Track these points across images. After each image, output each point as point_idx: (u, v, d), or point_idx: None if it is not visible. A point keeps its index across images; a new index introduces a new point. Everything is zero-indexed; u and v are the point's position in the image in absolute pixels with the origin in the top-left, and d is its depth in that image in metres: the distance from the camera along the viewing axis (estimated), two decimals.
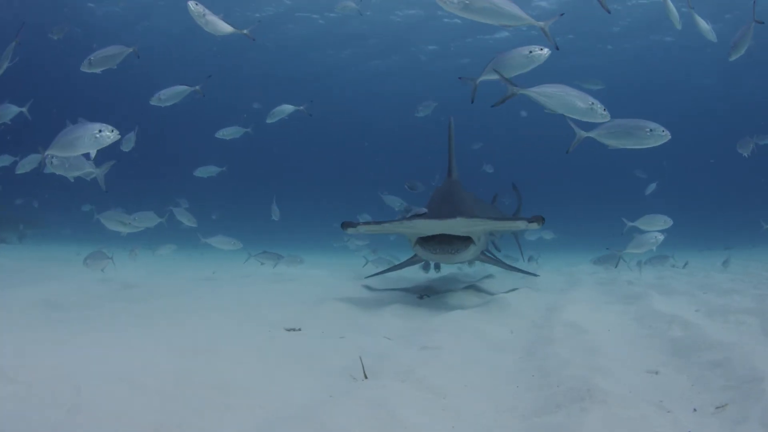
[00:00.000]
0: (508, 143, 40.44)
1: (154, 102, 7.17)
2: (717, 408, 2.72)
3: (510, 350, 4.04)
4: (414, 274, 10.00)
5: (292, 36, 32.00)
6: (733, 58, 7.33)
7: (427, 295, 6.94)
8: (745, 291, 7.21)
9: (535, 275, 8.77)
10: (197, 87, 7.33)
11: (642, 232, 8.29)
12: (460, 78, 6.18)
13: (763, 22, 7.06)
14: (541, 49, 5.09)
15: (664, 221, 8.44)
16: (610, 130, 5.04)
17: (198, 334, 4.19)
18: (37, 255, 12.37)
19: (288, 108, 8.95)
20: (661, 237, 8.72)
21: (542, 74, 4.91)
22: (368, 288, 7.90)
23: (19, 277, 7.79)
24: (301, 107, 8.88)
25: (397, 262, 8.79)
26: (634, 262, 10.61)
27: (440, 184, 8.12)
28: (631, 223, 8.69)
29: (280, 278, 9.23)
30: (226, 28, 5.98)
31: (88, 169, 5.96)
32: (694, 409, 2.76)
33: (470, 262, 11.42)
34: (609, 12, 5.67)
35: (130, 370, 2.93)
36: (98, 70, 6.49)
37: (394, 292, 7.35)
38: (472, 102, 5.89)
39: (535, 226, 5.39)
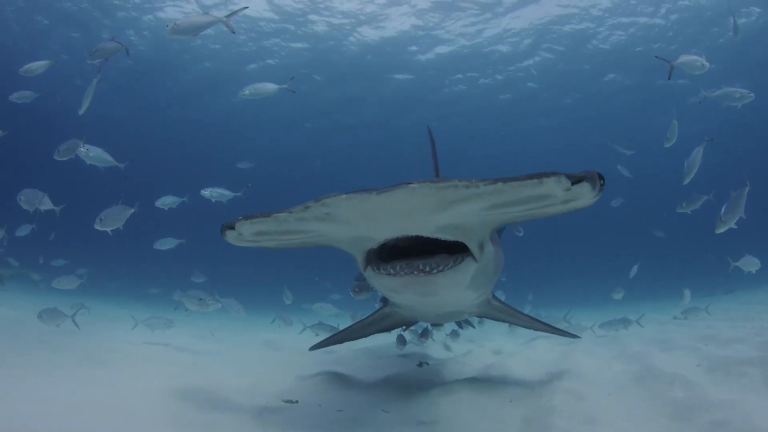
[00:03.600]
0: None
1: (57, 156, 7.89)
2: None
3: (509, 421, 4.00)
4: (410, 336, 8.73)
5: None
6: (686, 181, 8.44)
7: (426, 362, 6.89)
8: (747, 339, 7.19)
9: (576, 337, 6.62)
10: (82, 144, 7.93)
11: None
12: (656, 57, 8.24)
13: (713, 139, 8.11)
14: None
15: (756, 263, 9.70)
16: None
17: (194, 402, 4.17)
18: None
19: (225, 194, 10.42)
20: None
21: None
22: (365, 355, 7.84)
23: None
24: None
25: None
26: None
27: None
28: (734, 263, 9.76)
29: (275, 345, 9.23)
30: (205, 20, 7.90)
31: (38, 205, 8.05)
32: None
33: (464, 322, 8.54)
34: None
35: None
36: (66, 158, 7.88)
37: (392, 359, 7.29)
38: (669, 79, 8.04)
39: (586, 190, 2.71)
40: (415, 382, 5.52)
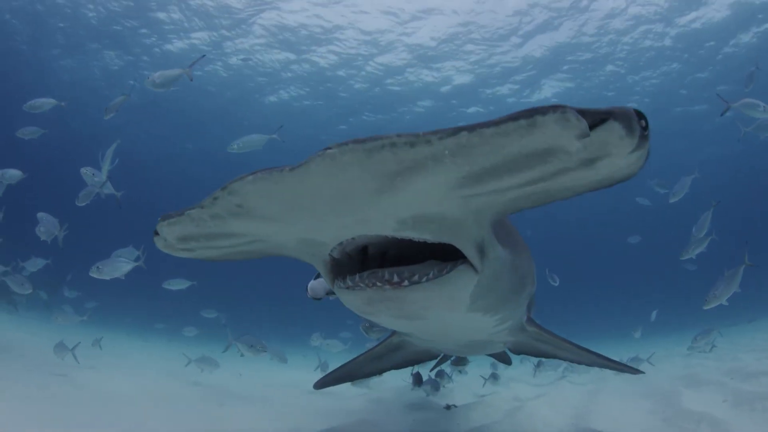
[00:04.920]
0: None
1: (78, 203, 8.52)
2: None
3: None
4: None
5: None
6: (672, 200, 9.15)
7: (454, 405, 6.85)
8: None
9: (640, 372, 4.96)
10: (99, 187, 8.42)
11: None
12: (718, 95, 8.63)
13: (720, 202, 8.56)
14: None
15: None
16: None
17: None
18: None
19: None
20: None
21: None
22: (394, 396, 7.81)
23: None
24: None
25: None
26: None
27: None
28: None
29: (302, 387, 9.24)
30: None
31: (56, 232, 8.44)
32: None
33: (498, 357, 6.62)
34: None
35: None
36: (85, 203, 8.59)
37: (420, 401, 7.26)
38: (722, 115, 8.64)
39: (616, 136, 1.58)
40: (445, 426, 5.55)
